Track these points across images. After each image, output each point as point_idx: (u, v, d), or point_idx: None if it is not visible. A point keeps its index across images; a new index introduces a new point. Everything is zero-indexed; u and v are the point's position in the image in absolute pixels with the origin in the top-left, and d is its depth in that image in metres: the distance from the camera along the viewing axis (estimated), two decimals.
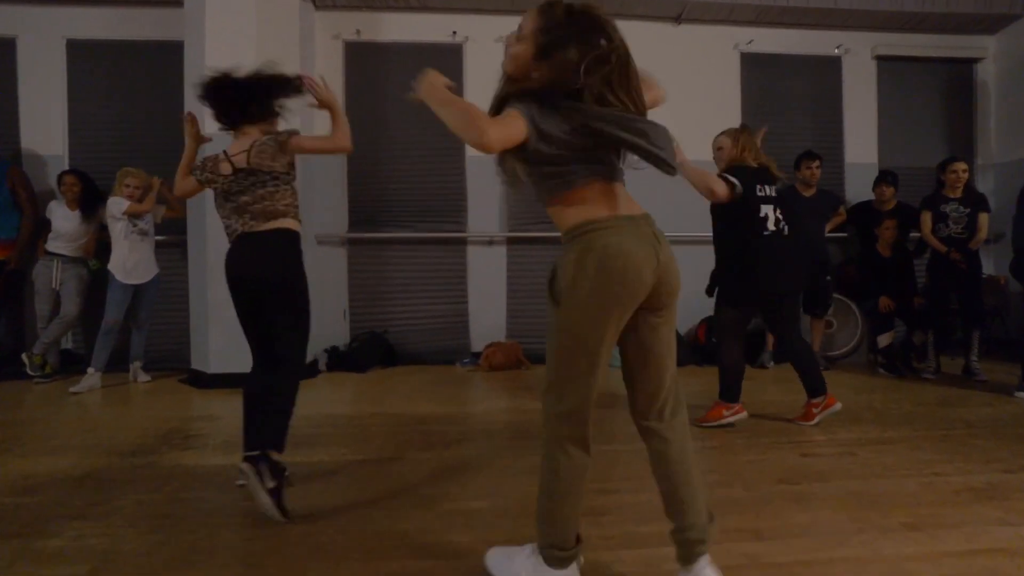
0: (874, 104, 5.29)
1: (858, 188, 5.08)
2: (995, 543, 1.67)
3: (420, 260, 4.91)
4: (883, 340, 4.31)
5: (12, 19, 4.57)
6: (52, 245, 4.27)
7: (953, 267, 3.99)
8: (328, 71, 4.78)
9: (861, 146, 5.27)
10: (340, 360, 4.63)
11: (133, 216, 4.05)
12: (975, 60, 5.36)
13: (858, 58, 5.25)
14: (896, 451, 2.50)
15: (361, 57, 4.89)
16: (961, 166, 4.07)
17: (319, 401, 3.65)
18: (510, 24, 4.83)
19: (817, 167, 4.50)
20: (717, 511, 1.43)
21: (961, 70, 5.40)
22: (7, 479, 2.26)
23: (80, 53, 4.67)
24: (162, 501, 2.03)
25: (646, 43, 4.86)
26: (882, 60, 5.27)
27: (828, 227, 4.70)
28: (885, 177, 4.64)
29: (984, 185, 5.39)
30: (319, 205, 4.68)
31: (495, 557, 1.47)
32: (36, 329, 4.30)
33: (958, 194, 4.07)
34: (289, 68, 4.21)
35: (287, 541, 1.72)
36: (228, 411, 3.27)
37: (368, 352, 4.66)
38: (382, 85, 4.88)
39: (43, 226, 4.33)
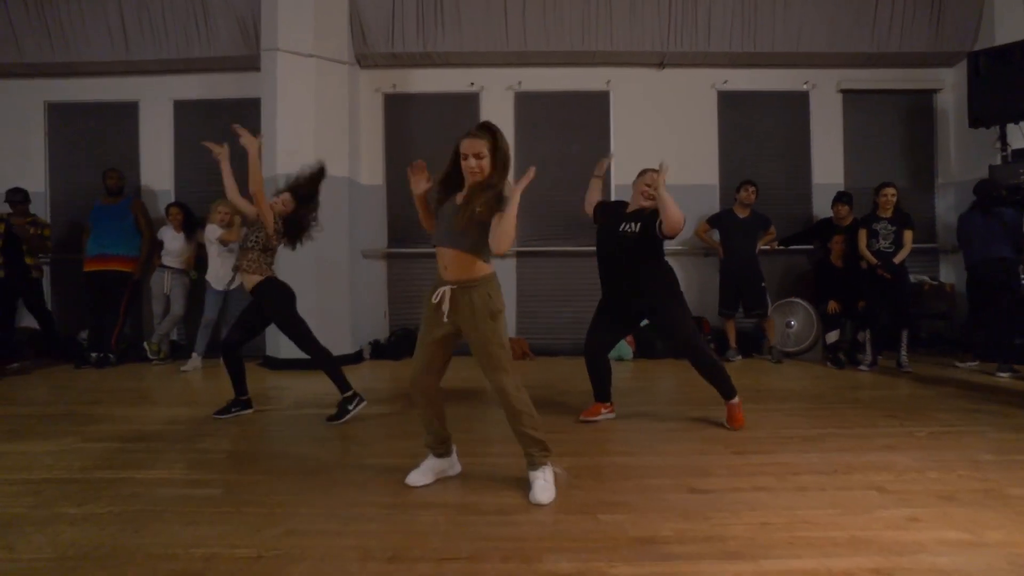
0: (840, 132, 6.01)
1: (824, 205, 5.79)
2: (783, 460, 2.56)
3: None
4: (830, 337, 5.08)
5: (135, 87, 5.97)
6: (163, 260, 5.60)
7: (882, 276, 4.73)
8: (371, 118, 5.99)
9: (828, 169, 5.99)
10: (381, 350, 5.77)
11: (223, 242, 5.30)
12: (934, 91, 6.00)
13: (824, 92, 5.99)
14: (774, 416, 3.34)
15: (397, 106, 6.03)
16: (890, 191, 4.80)
17: (364, 379, 4.76)
18: (517, 75, 6.03)
19: (753, 192, 5.35)
20: (607, 445, 2.39)
21: (921, 99, 6.04)
22: (163, 417, 3.46)
23: (183, 111, 6.02)
24: (254, 431, 3.17)
25: (634, 85, 5.93)
26: (847, 93, 5.99)
27: (760, 244, 5.50)
28: (841, 198, 5.40)
29: (944, 201, 6.02)
30: (363, 226, 5.83)
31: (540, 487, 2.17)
32: (153, 324, 5.64)
33: (888, 214, 4.80)
34: (342, 117, 5.45)
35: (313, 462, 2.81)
36: (294, 384, 4.44)
37: (403, 345, 5.78)
38: (413, 128, 6.00)
39: (157, 246, 5.66)
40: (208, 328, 5.31)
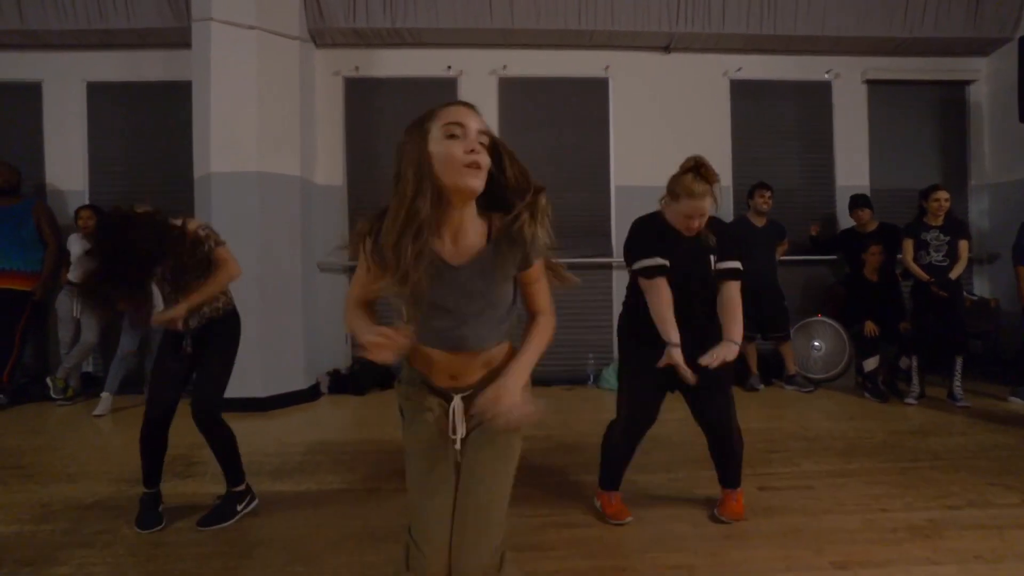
0: (865, 128, 5.35)
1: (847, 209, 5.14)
2: None
3: None
4: (869, 364, 4.38)
5: (37, 65, 4.91)
6: (72, 275, 4.57)
7: (935, 294, 4.06)
8: (328, 106, 5.07)
9: (852, 170, 5.33)
10: (342, 383, 4.85)
11: None
12: (967, 82, 5.39)
13: (848, 82, 5.32)
14: (852, 485, 2.60)
15: (360, 92, 5.11)
16: (943, 195, 4.13)
17: (320, 424, 3.85)
18: (502, 58, 5.09)
19: (770, 197, 4.64)
20: (662, 546, 1.57)
21: (953, 92, 5.43)
22: (27, 505, 2.51)
23: (98, 94, 4.98)
24: (161, 530, 2.25)
25: (637, 72, 5.13)
26: (872, 84, 5.33)
27: (776, 256, 4.82)
28: (857, 202, 4.77)
29: (978, 205, 5.42)
30: (320, 236, 4.90)
31: None
32: (60, 355, 4.60)
33: (939, 222, 4.13)
34: (292, 103, 4.53)
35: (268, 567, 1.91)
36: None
37: (368, 375, 4.87)
38: (379, 119, 5.10)
39: (65, 258, 4.63)
40: (124, 361, 4.31)
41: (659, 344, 2.11)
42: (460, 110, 1.15)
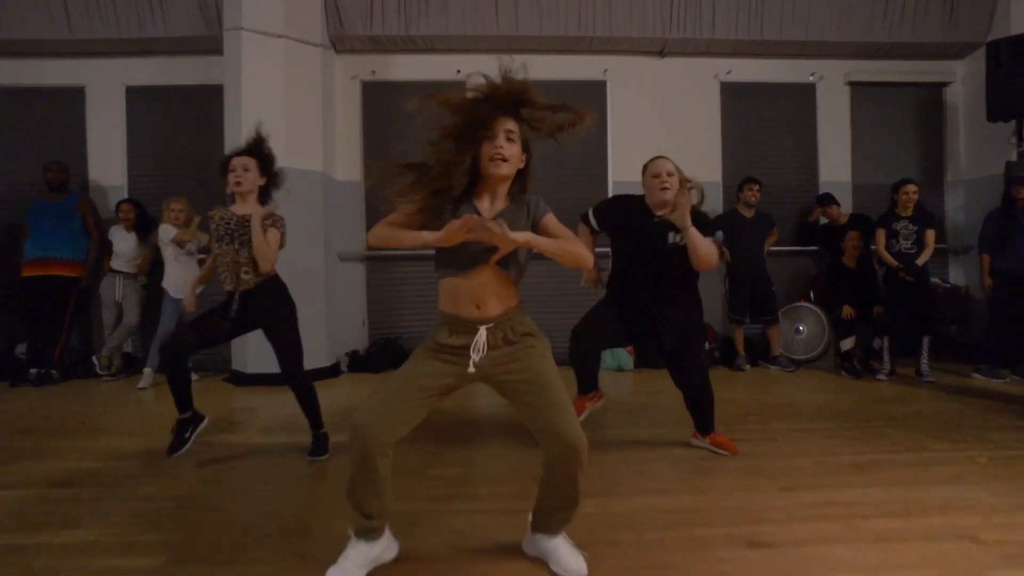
0: (847, 127, 5.71)
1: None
2: (844, 498, 2.17)
3: (430, 274, 5.50)
4: (845, 344, 4.74)
5: (82, 70, 5.35)
6: (114, 263, 5.00)
7: (904, 279, 4.42)
8: (347, 107, 5.49)
9: (835, 166, 5.69)
10: (360, 362, 5.26)
11: (178, 243, 4.72)
12: (944, 84, 5.74)
13: (832, 84, 5.68)
14: (811, 439, 2.97)
15: (376, 94, 5.52)
16: (912, 188, 4.49)
17: (343, 396, 4.26)
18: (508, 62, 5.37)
19: (758, 190, 5.03)
20: (642, 477, 1.96)
21: (931, 93, 5.77)
22: (105, 449, 2.92)
23: (137, 98, 5.42)
24: (211, 468, 2.66)
25: (633, 75, 5.52)
26: (855, 86, 5.69)
27: (766, 246, 5.18)
28: (824, 200, 5.25)
29: (954, 200, 5.77)
30: (340, 228, 5.31)
31: None
32: (103, 336, 5.04)
33: (908, 213, 4.50)
34: (315, 105, 4.94)
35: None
36: (263, 403, 3.92)
37: (383, 356, 5.28)
38: (394, 119, 5.50)
39: (107, 248, 5.06)
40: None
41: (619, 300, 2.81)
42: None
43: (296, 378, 2.79)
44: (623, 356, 5.14)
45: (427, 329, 1.74)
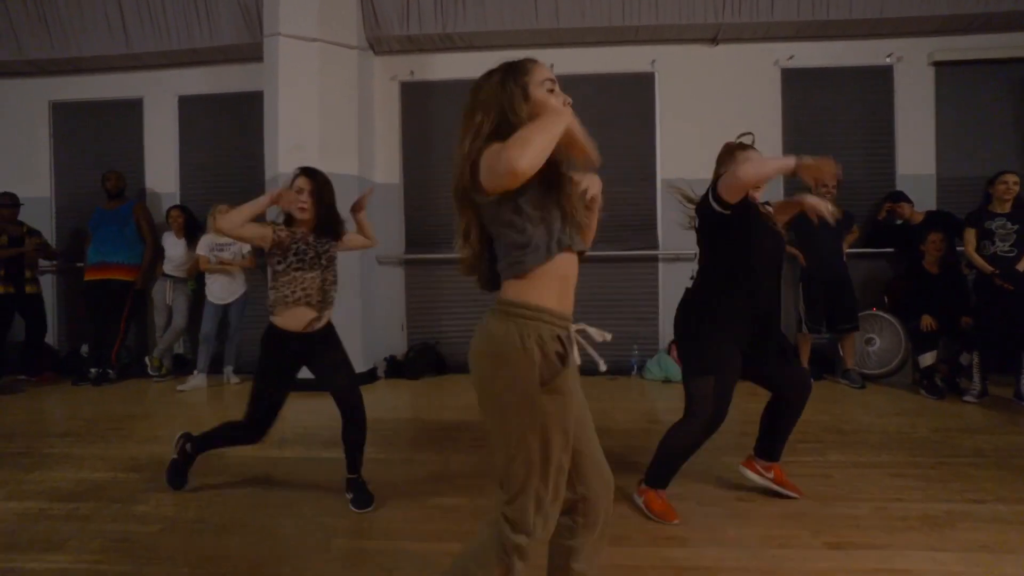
0: (932, 113, 5.06)
1: (914, 200, 4.87)
2: (906, 564, 1.81)
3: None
4: (925, 360, 4.18)
5: (139, 83, 5.58)
6: (165, 268, 5.18)
7: (999, 286, 3.83)
8: (386, 109, 5.42)
9: (917, 157, 5.06)
10: (398, 368, 5.20)
11: (218, 251, 4.81)
12: None
13: (912, 66, 5.05)
14: (873, 476, 2.58)
15: (415, 95, 5.42)
16: (1012, 178, 3.88)
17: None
18: (549, 56, 5.27)
19: (833, 186, 4.47)
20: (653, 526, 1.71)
21: None
22: (121, 457, 2.96)
23: (188, 106, 5.59)
24: (222, 484, 2.61)
25: (684, 66, 5.13)
26: (940, 66, 5.03)
27: (845, 247, 4.67)
28: (893, 198, 4.75)
29: None
30: (378, 231, 5.23)
31: None
32: (156, 337, 5.24)
33: (1006, 209, 3.89)
34: (351, 108, 4.88)
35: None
36: (291, 411, 3.89)
37: (421, 361, 5.19)
38: (433, 119, 5.39)
39: (160, 252, 5.25)
40: (206, 343, 4.83)
41: (740, 336, 2.18)
42: (547, 70, 1.31)
43: (358, 398, 2.42)
44: (671, 366, 4.79)
45: (469, 333, 1.36)
